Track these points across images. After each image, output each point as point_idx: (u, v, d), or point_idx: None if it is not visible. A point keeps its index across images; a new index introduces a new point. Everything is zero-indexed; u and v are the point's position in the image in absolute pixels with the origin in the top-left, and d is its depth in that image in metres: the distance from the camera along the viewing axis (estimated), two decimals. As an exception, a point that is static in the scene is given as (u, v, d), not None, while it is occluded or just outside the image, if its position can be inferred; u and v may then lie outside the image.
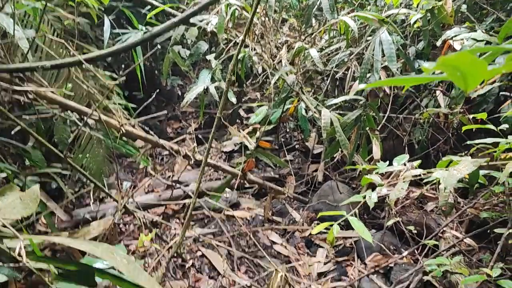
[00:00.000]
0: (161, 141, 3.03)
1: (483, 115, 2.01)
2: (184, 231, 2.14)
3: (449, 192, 2.09)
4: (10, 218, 1.09)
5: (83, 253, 3.06)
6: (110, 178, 4.46)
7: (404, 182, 2.03)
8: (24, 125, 2.00)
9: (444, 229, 3.37)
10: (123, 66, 6.00)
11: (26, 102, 2.45)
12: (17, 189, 1.21)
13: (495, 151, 1.90)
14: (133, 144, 3.43)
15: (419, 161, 2.20)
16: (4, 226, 1.04)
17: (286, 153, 5.36)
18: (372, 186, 2.36)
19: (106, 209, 3.78)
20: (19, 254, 1.00)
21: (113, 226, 2.40)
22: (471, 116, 3.33)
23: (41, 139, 2.02)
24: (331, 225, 2.07)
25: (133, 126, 2.89)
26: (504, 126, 2.00)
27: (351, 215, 2.08)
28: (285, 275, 2.19)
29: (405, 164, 2.17)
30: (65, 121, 2.90)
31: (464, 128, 2.30)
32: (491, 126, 1.94)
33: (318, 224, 2.47)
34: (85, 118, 2.38)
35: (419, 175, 2.07)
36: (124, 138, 3.44)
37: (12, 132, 2.51)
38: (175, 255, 3.49)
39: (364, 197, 2.15)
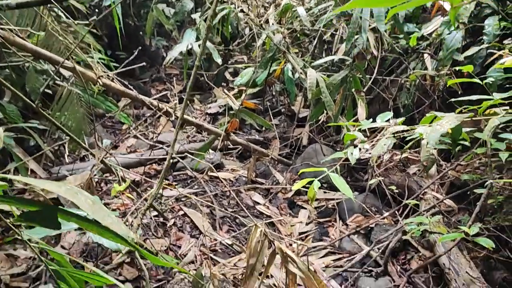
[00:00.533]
0: (141, 96, 2.94)
1: (469, 68, 1.96)
2: (161, 183, 2.10)
3: (432, 149, 2.07)
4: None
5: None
6: (91, 139, 4.37)
7: (387, 138, 2.00)
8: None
9: (425, 190, 3.39)
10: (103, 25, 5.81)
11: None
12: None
13: (480, 107, 1.87)
14: (113, 100, 3.33)
15: (402, 118, 2.17)
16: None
17: (272, 117, 5.30)
18: (355, 144, 2.33)
19: (85, 167, 3.71)
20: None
21: (91, 181, 2.35)
22: (459, 81, 3.30)
23: (14, 89, 1.92)
24: (312, 182, 2.04)
25: (112, 80, 2.80)
26: (490, 80, 1.96)
27: (333, 172, 2.06)
28: (265, 230, 2.18)
29: (388, 121, 2.14)
30: (38, 71, 2.78)
31: (449, 82, 2.26)
32: (477, 80, 1.91)
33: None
34: (57, 67, 2.27)
35: (402, 131, 2.04)
36: (104, 96, 3.34)
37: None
38: (157, 214, 3.47)
39: (346, 154, 2.12)
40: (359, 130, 2.21)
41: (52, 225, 1.01)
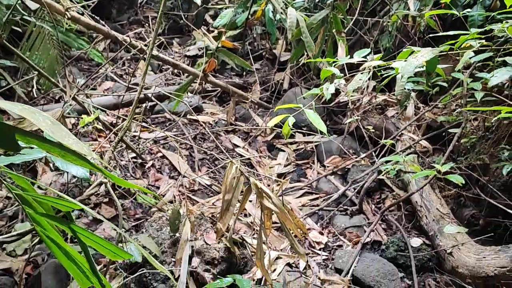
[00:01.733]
0: (113, 33, 2.83)
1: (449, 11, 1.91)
2: (131, 115, 2.06)
3: (408, 90, 2.06)
4: None
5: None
6: (65, 81, 4.24)
7: (363, 73, 1.97)
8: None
9: (402, 132, 3.43)
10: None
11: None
12: None
13: (457, 42, 1.85)
14: (86, 39, 3.20)
15: (380, 55, 2.14)
16: None
17: (253, 61, 5.19)
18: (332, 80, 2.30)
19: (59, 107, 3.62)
20: None
21: (63, 119, 2.30)
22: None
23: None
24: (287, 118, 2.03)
25: (82, 14, 2.67)
26: (470, 13, 1.93)
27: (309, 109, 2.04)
28: (240, 166, 2.19)
29: (366, 57, 2.10)
30: (4, 5, 2.63)
31: (428, 20, 2.22)
32: (454, 11, 1.87)
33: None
34: (27, 2, 2.15)
35: (378, 67, 2.01)
36: (76, 33, 3.20)
37: None
38: (135, 155, 3.46)
39: (322, 90, 2.10)
40: (336, 66, 2.17)
41: (10, 146, 0.97)
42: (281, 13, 3.82)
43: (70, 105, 2.62)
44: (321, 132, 3.99)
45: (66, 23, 2.49)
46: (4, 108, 0.92)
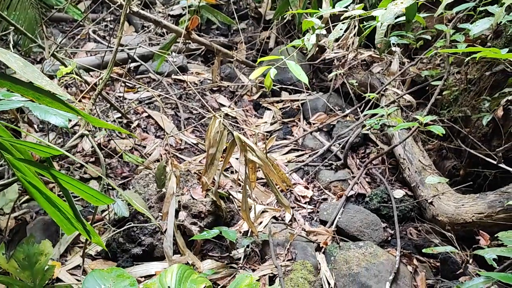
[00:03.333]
0: (91, -13, 2.75)
1: None
2: (110, 68, 2.04)
3: (393, 46, 2.05)
4: None
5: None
6: (46, 43, 4.15)
7: (343, 23, 1.96)
8: None
9: (387, 87, 3.45)
10: None
11: None
12: None
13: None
14: (64, -4, 3.12)
15: (361, 5, 2.12)
16: None
17: (239, 21, 5.11)
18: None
19: (39, 67, 3.56)
20: None
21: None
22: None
23: None
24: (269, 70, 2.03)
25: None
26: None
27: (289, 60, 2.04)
28: (223, 120, 2.20)
29: (347, 7, 2.08)
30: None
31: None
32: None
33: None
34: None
35: (360, 17, 2.00)
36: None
37: None
38: (120, 115, 3.44)
39: (303, 41, 2.09)
40: (318, 18, 2.15)
41: (-18, 88, 0.97)
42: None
43: (52, 64, 2.58)
44: (306, 87, 4.00)
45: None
46: None
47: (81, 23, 4.98)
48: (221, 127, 2.23)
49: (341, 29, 1.95)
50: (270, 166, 2.26)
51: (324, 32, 2.09)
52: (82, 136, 1.67)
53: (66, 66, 2.22)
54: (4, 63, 0.96)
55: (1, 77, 1.00)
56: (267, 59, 2.16)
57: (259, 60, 2.20)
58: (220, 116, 2.23)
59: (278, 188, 2.51)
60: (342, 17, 2.01)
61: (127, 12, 2.85)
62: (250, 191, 2.35)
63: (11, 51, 3.56)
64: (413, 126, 2.56)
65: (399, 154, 3.11)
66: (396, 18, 1.86)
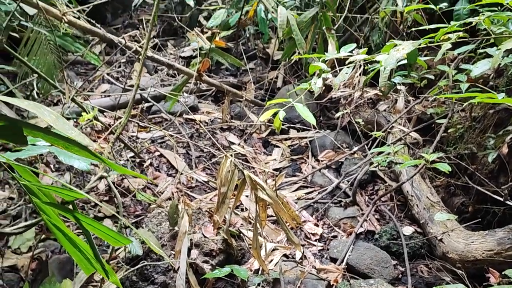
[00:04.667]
0: (109, 35, 2.92)
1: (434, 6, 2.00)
2: (128, 113, 2.14)
3: (398, 84, 2.14)
4: None
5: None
6: (63, 85, 4.33)
7: (348, 67, 2.06)
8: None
9: (393, 125, 3.53)
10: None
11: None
12: None
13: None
14: (82, 42, 3.29)
15: (365, 49, 2.23)
16: None
17: (247, 61, 5.29)
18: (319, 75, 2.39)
19: (59, 110, 3.71)
20: None
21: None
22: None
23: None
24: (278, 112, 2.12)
25: (78, 18, 2.76)
26: (444, 5, 2.02)
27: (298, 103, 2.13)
28: (234, 160, 2.27)
29: (352, 52, 2.20)
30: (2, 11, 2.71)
31: (415, 15, 2.32)
32: (432, 6, 1.96)
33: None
34: (25, 8, 2.24)
35: (364, 61, 2.11)
36: (73, 36, 3.29)
37: None
38: (134, 155, 3.54)
39: (310, 84, 2.19)
40: (323, 61, 2.26)
41: (19, 140, 1.06)
42: (273, 12, 3.91)
43: (69, 107, 2.70)
44: (313, 126, 4.09)
45: (63, 28, 2.57)
46: (13, 103, 1.00)
47: (96, 66, 5.19)
48: (232, 166, 2.30)
49: (346, 73, 2.05)
50: (280, 204, 2.31)
51: (330, 75, 2.19)
52: (101, 178, 1.76)
53: (84, 110, 2.34)
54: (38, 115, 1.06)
55: (35, 129, 1.09)
56: (276, 102, 2.26)
57: (268, 103, 2.31)
58: (231, 156, 2.31)
59: (288, 225, 2.55)
60: (347, 62, 2.12)
61: (141, 57, 3.00)
62: (261, 229, 2.39)
63: (33, 92, 3.72)
64: (420, 164, 2.62)
65: (407, 191, 3.14)
66: (398, 62, 1.95)
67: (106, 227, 1.29)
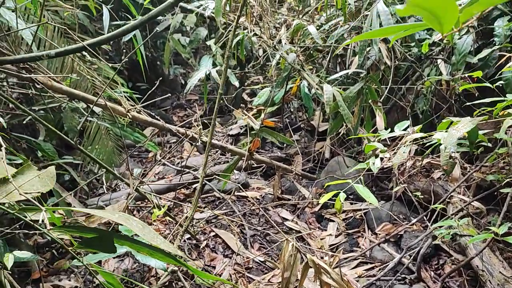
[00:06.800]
0: (167, 125, 3.09)
1: (478, 73, 2.03)
2: (195, 205, 2.21)
3: (452, 152, 2.12)
4: (30, 193, 1.16)
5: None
6: (120, 169, 4.56)
7: (406, 146, 2.07)
8: (35, 116, 2.08)
9: (452, 194, 3.42)
10: (124, 58, 6.06)
11: (33, 95, 2.52)
12: (34, 168, 1.28)
13: (496, 109, 1.93)
14: (140, 131, 3.51)
15: (420, 126, 2.25)
16: (27, 200, 1.11)
17: (292, 133, 5.40)
18: (376, 154, 2.41)
19: (118, 196, 3.87)
20: (42, 224, 1.07)
21: (127, 209, 2.48)
22: (472, 84, 3.35)
23: (52, 128, 2.09)
24: (338, 193, 2.12)
25: (139, 112, 2.96)
26: (500, 83, 2.03)
27: (357, 183, 2.14)
28: (296, 244, 2.26)
29: (406, 129, 2.21)
30: (73, 110, 2.97)
31: (461, 87, 2.33)
32: (487, 84, 1.97)
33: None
34: (91, 106, 2.45)
35: (420, 138, 2.11)
36: (131, 127, 3.51)
37: (24, 122, 2.59)
38: (190, 236, 3.58)
39: (368, 164, 2.20)
40: (379, 140, 2.29)
41: (109, 250, 1.12)
42: (317, 88, 4.04)
43: (129, 194, 2.82)
44: (384, 198, 4.03)
45: (124, 121, 2.78)
46: (106, 217, 1.08)
47: (147, 148, 5.45)
48: (294, 250, 2.28)
49: (404, 152, 2.06)
50: (346, 289, 2.24)
51: (387, 155, 2.20)
52: (173, 272, 1.80)
53: (147, 198, 2.44)
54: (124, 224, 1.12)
55: (123, 239, 1.16)
56: (336, 183, 2.27)
57: (326, 184, 2.32)
58: (292, 239, 2.30)
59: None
60: (403, 140, 2.13)
61: (199, 143, 3.14)
62: (327, 315, 2.30)
63: (97, 183, 3.92)
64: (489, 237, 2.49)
65: (477, 266, 2.96)
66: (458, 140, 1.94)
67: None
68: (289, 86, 4.85)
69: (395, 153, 2.22)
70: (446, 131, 1.94)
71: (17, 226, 2.69)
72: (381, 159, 2.14)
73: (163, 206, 2.25)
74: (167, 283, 3.02)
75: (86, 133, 3.84)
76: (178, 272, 1.82)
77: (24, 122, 3.22)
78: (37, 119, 2.02)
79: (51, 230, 1.10)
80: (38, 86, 2.33)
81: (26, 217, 1.12)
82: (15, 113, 3.36)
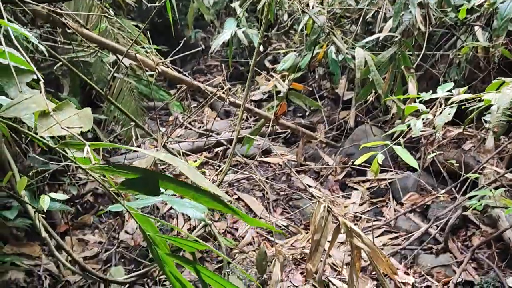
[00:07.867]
0: (196, 82, 3.02)
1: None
2: (230, 159, 2.15)
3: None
4: (73, 128, 1.10)
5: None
6: (158, 135, 4.52)
7: (452, 107, 1.96)
8: (68, 64, 2.01)
9: (484, 165, 3.30)
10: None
11: (62, 44, 2.46)
12: (73, 106, 1.21)
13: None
14: (166, 90, 3.44)
15: (465, 88, 2.13)
16: (70, 135, 1.05)
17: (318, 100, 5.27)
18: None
19: (142, 156, 3.84)
20: (86, 159, 1.01)
21: (155, 164, 2.44)
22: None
23: (84, 77, 2.03)
24: (375, 156, 2.04)
25: (167, 67, 2.88)
26: None
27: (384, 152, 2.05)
28: (328, 206, 2.20)
29: (450, 91, 2.10)
30: (101, 61, 2.91)
31: (504, 52, 2.19)
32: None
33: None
34: (121, 57, 2.37)
35: (466, 100, 2.00)
36: (157, 84, 3.45)
37: (49, 76, 2.55)
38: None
39: (409, 126, 2.10)
40: (421, 101, 2.18)
41: (153, 192, 1.06)
42: (347, 53, 3.90)
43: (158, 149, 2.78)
44: (410, 168, 3.92)
45: (149, 77, 2.70)
46: (154, 156, 1.01)
47: (168, 108, 5.39)
48: (325, 213, 2.22)
49: (449, 114, 1.95)
50: (378, 253, 2.19)
51: (430, 116, 2.10)
52: (205, 225, 1.75)
53: (176, 156, 2.39)
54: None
55: (168, 180, 1.09)
56: (371, 144, 2.18)
57: (362, 146, 2.23)
58: (324, 201, 2.23)
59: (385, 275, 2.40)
60: (449, 102, 2.02)
61: (227, 103, 3.06)
62: (357, 279, 2.26)
63: (114, 140, 3.89)
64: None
65: (509, 238, 2.88)
66: None
67: (226, 281, 1.25)
68: (316, 52, 4.70)
69: (436, 115, 2.11)
70: (497, 92, 1.82)
71: (42, 178, 2.68)
72: (422, 119, 2.04)
73: (200, 160, 2.20)
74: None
75: (109, 92, 3.79)
76: (212, 226, 1.78)
77: (49, 76, 3.17)
78: (69, 66, 1.96)
79: (91, 169, 1.04)
80: (69, 31, 2.26)
81: (67, 153, 1.06)
82: (39, 67, 3.31)
